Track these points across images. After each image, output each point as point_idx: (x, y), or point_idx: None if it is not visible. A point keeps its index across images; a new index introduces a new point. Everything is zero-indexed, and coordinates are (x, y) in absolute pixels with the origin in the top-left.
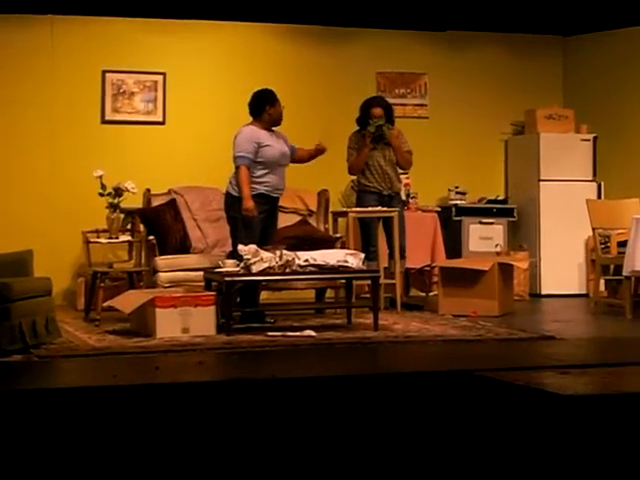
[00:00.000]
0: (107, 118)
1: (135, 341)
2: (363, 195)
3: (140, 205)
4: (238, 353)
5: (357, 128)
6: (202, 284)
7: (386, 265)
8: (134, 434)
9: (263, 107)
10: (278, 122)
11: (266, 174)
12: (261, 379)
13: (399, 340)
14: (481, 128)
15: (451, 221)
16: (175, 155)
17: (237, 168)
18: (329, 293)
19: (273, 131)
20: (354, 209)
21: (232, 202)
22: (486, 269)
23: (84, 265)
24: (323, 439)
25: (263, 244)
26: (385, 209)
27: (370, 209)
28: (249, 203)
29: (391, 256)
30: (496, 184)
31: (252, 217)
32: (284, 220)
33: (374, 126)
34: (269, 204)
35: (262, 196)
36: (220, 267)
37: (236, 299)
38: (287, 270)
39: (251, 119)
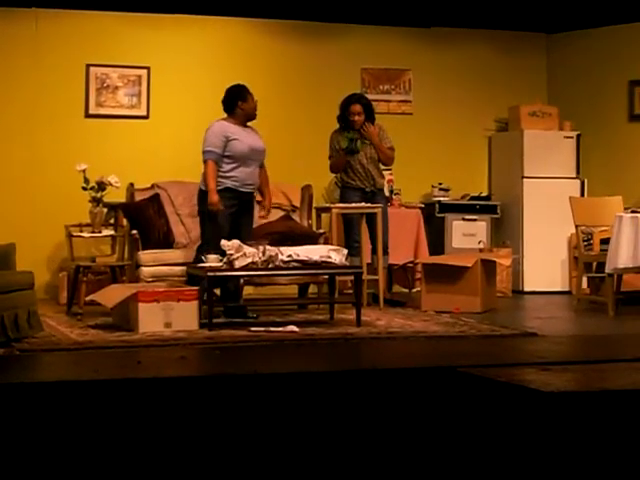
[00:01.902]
0: (91, 112)
1: (117, 335)
2: (346, 191)
3: (123, 199)
4: (220, 348)
5: (338, 127)
6: (185, 279)
7: (369, 261)
8: (116, 429)
9: (235, 102)
10: (252, 116)
11: (234, 168)
12: (243, 374)
13: (382, 336)
14: (465, 125)
15: (434, 217)
16: (159, 150)
17: (204, 162)
18: (312, 289)
19: (247, 126)
20: (337, 205)
21: (201, 197)
22: (469, 265)
23: (67, 259)
24: (305, 435)
25: (240, 240)
26: (368, 205)
27: (354, 205)
28: (213, 197)
29: (374, 252)
30: (479, 181)
31: (217, 211)
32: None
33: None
34: (238, 199)
35: (229, 190)
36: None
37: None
38: (270, 265)
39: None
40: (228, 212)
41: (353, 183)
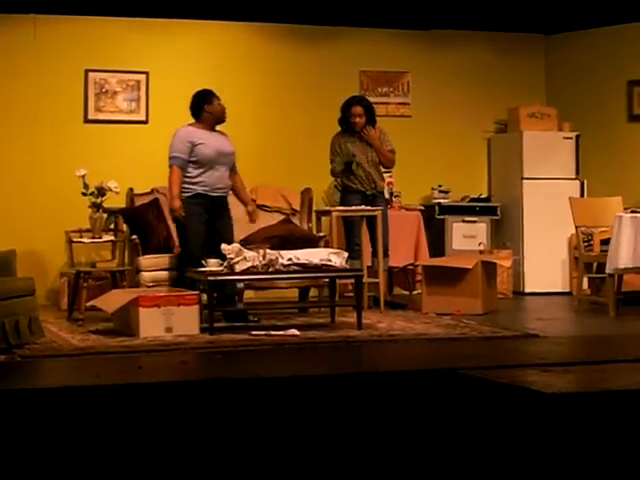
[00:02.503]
0: (90, 117)
1: (118, 340)
2: (347, 194)
3: (123, 204)
4: (221, 352)
5: (339, 130)
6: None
7: (369, 264)
8: (118, 434)
9: (201, 107)
10: (221, 119)
11: (202, 173)
12: (244, 378)
13: (383, 339)
14: (464, 126)
15: (434, 220)
16: (158, 154)
17: (169, 168)
18: (313, 292)
19: (216, 130)
20: (338, 208)
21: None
22: (469, 267)
23: (67, 265)
24: (307, 438)
25: (217, 245)
26: (369, 208)
27: (354, 208)
28: (174, 203)
29: (374, 255)
30: (479, 182)
31: (179, 217)
32: (267, 219)
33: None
34: (210, 204)
35: (199, 196)
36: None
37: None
38: (270, 269)
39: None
40: (203, 218)
41: (354, 186)
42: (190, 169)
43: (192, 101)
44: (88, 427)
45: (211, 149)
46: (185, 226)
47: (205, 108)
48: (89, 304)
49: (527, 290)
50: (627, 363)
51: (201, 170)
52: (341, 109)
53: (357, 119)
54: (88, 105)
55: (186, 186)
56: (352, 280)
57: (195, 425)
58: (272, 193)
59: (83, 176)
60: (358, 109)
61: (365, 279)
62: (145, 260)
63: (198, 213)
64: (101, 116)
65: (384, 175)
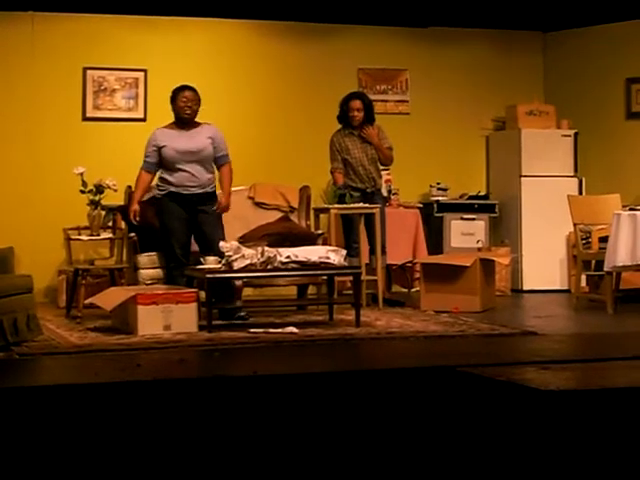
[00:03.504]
0: (88, 115)
1: (117, 338)
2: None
3: (121, 202)
4: (220, 350)
5: (339, 127)
6: None
7: (367, 261)
8: (116, 432)
9: (171, 106)
10: (182, 118)
11: (171, 173)
12: (243, 376)
13: (381, 336)
14: (462, 124)
15: (433, 217)
16: None
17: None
18: (311, 290)
19: (193, 126)
20: (336, 205)
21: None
22: (468, 265)
23: (65, 262)
24: (305, 436)
25: (204, 242)
26: (367, 205)
27: (352, 205)
28: (131, 207)
29: (372, 252)
30: (477, 180)
31: (133, 221)
32: (265, 217)
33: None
34: (185, 202)
35: (173, 194)
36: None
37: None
38: (269, 267)
39: None
40: (181, 216)
41: (354, 185)
42: (162, 169)
43: None
44: (86, 425)
45: (172, 151)
46: (162, 224)
47: (172, 105)
48: (87, 302)
49: (525, 288)
50: (625, 361)
51: (169, 171)
52: (340, 104)
53: (355, 113)
54: (86, 103)
55: (160, 184)
56: (350, 278)
57: (193, 423)
58: (270, 190)
59: (81, 173)
60: (357, 103)
61: (363, 277)
62: (143, 258)
63: (174, 211)
64: (99, 114)
65: (382, 173)
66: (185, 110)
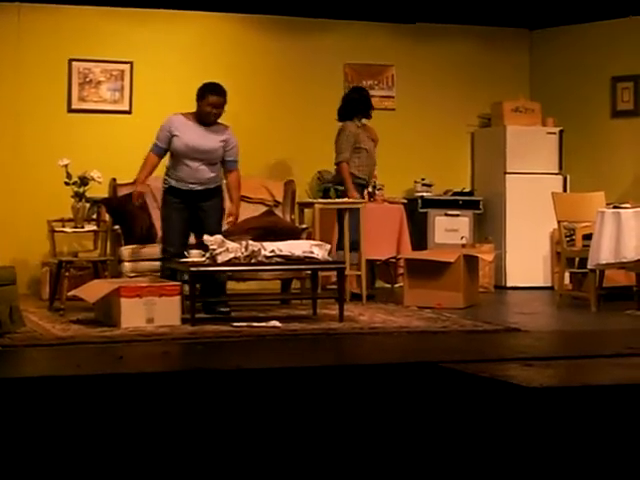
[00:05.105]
0: (73, 107)
1: (99, 331)
2: (355, 187)
3: (106, 194)
4: (203, 343)
5: (351, 119)
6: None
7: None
8: (98, 424)
9: (196, 99)
10: (205, 120)
11: (176, 165)
12: (226, 369)
13: (364, 331)
14: (448, 120)
15: (417, 213)
16: (141, 145)
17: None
18: (295, 284)
19: (209, 124)
20: (320, 200)
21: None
22: (451, 261)
23: (49, 254)
24: (289, 430)
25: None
26: (352, 200)
27: (336, 200)
28: (136, 187)
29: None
30: (462, 176)
31: (135, 203)
32: (250, 211)
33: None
34: (186, 197)
35: (173, 189)
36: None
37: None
38: (253, 261)
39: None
40: (182, 211)
41: (359, 180)
42: (169, 159)
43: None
44: (68, 417)
45: (182, 143)
46: (162, 217)
47: (197, 102)
48: (70, 294)
49: (509, 284)
50: (608, 358)
51: (175, 162)
52: (356, 90)
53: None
54: (72, 94)
55: (165, 177)
56: (334, 272)
57: (177, 416)
58: (255, 184)
59: (66, 165)
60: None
61: (347, 272)
62: (127, 250)
63: (175, 205)
64: (85, 106)
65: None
66: (210, 117)
